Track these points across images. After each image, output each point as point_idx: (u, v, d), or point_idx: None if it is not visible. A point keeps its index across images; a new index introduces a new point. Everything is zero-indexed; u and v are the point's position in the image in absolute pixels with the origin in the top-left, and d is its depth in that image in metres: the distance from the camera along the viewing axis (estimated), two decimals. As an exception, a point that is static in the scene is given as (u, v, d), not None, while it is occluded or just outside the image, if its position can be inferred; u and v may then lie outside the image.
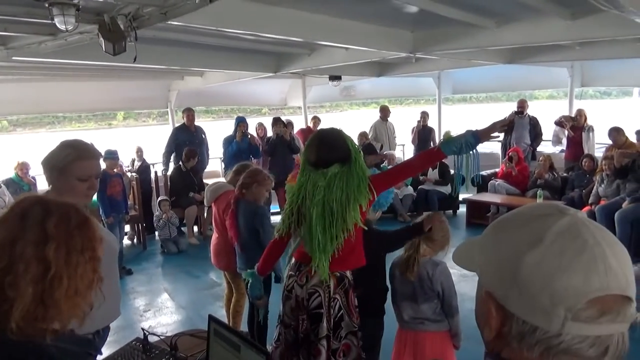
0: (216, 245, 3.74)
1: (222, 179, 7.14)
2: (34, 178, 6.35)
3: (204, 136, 7.36)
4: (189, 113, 7.26)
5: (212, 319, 1.85)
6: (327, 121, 8.95)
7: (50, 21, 2.92)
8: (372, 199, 2.25)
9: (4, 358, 0.90)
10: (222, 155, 7.53)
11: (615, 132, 5.92)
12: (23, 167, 6.13)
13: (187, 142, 7.01)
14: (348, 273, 2.35)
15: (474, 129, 2.31)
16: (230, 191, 3.53)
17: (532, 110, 7.85)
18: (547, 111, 8.67)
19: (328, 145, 2.29)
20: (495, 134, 2.31)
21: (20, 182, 6.02)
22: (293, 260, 2.45)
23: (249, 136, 7.21)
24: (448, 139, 2.29)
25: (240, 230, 3.24)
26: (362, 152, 2.38)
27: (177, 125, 7.78)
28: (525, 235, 0.65)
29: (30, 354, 0.89)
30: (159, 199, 6.68)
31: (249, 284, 2.61)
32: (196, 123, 7.47)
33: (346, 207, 2.18)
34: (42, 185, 6.74)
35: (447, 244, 2.51)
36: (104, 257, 1.02)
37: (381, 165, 6.92)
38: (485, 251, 0.70)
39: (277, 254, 2.55)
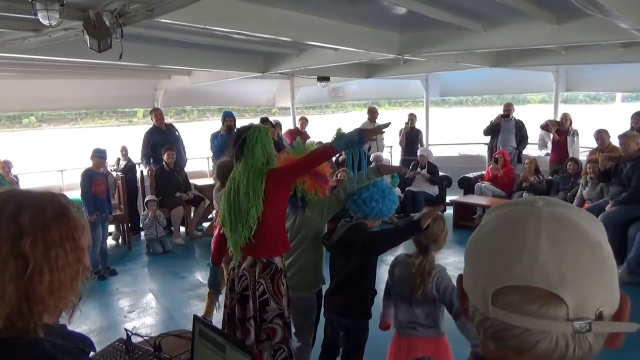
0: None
1: (210, 180, 7.12)
2: (16, 176, 6.24)
3: (177, 133, 7.29)
4: (157, 113, 7.19)
5: (197, 319, 1.82)
6: (317, 122, 8.95)
7: (33, 16, 2.87)
8: (285, 189, 2.48)
9: None
10: (209, 152, 7.45)
11: (604, 133, 6.02)
12: (5, 166, 6.01)
13: (161, 142, 6.94)
14: (277, 259, 2.50)
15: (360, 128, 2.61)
16: None
17: (524, 113, 7.92)
18: (539, 115, 8.75)
19: (236, 141, 2.56)
20: (380, 135, 2.51)
21: (2, 180, 5.90)
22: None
23: (236, 130, 7.14)
24: (338, 136, 2.52)
25: None
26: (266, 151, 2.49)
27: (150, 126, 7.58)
28: (489, 218, 0.67)
29: (23, 349, 0.87)
30: (147, 198, 6.60)
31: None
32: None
33: (248, 201, 2.37)
34: (25, 183, 6.64)
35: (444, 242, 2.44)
36: None
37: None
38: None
39: (223, 246, 2.68)
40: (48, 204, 0.95)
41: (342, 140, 2.45)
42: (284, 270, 2.53)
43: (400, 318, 2.47)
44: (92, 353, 1.02)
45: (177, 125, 7.79)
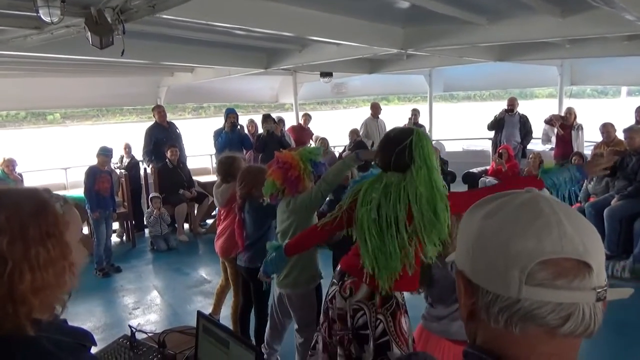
0: (225, 228, 3.65)
1: (213, 177, 7.12)
2: (20, 175, 6.26)
3: (178, 131, 7.28)
4: (159, 110, 7.19)
5: (200, 315, 1.82)
6: (328, 118, 8.89)
7: (35, 14, 2.86)
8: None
9: None
10: (213, 148, 7.45)
11: (610, 126, 5.99)
12: (9, 164, 6.03)
13: (164, 139, 6.94)
14: (398, 294, 2.13)
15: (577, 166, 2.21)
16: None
17: (531, 108, 7.85)
18: (545, 109, 8.66)
19: (387, 145, 2.06)
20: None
21: (6, 178, 5.92)
22: (338, 267, 2.31)
23: (239, 127, 7.16)
24: (549, 170, 2.14)
25: (247, 227, 3.19)
26: (434, 166, 2.02)
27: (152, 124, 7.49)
28: (489, 209, 0.68)
29: (19, 347, 0.85)
30: (151, 195, 6.61)
31: (268, 258, 2.41)
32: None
33: (421, 231, 1.91)
34: (29, 182, 6.66)
35: None
36: None
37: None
38: (459, 234, 0.73)
39: (311, 242, 2.41)
40: (27, 200, 0.92)
41: (554, 176, 2.08)
42: (404, 305, 2.14)
43: (432, 313, 2.31)
44: (93, 347, 1.00)
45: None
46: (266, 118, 7.21)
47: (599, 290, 0.61)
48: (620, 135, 5.72)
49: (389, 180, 2.02)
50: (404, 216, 1.94)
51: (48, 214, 0.92)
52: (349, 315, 2.12)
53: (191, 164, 7.54)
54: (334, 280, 2.26)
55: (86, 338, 0.98)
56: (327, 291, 2.29)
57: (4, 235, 0.86)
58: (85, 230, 6.46)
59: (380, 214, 1.99)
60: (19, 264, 0.86)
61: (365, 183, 2.12)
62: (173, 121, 7.61)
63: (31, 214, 0.90)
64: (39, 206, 0.92)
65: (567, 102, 8.33)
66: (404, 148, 1.99)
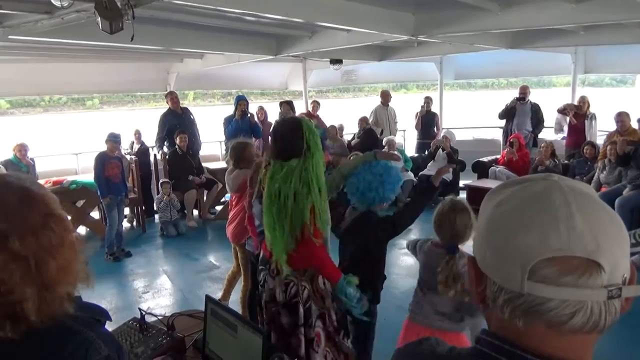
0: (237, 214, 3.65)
1: (223, 163, 7.14)
2: (32, 159, 6.33)
3: (192, 117, 7.26)
4: (172, 96, 7.15)
5: (209, 299, 1.84)
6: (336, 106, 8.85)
7: (45, -2, 2.87)
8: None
9: (47, 344, 0.87)
10: (223, 135, 7.44)
11: (625, 115, 5.91)
12: (22, 149, 6.09)
13: (177, 125, 6.92)
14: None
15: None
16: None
17: (548, 96, 7.71)
18: (561, 98, 8.49)
19: (282, 137, 2.30)
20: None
21: (18, 163, 5.99)
22: (262, 254, 2.47)
23: (249, 115, 7.14)
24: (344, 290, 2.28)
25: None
26: (318, 148, 2.29)
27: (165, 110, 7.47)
28: (502, 196, 0.66)
29: (60, 332, 0.88)
30: (161, 181, 6.65)
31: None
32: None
33: (296, 203, 2.16)
34: (41, 166, 6.74)
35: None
36: None
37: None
38: (478, 219, 0.72)
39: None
40: (7, 192, 0.89)
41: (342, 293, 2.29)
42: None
43: (426, 307, 2.33)
44: (107, 323, 1.01)
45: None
46: (283, 104, 7.20)
47: (612, 288, 0.58)
48: (635, 124, 5.64)
49: (290, 167, 2.22)
50: (305, 191, 2.17)
51: (34, 196, 0.90)
52: (280, 290, 2.31)
53: (201, 150, 7.55)
54: (261, 267, 2.45)
55: (101, 313, 0.99)
56: (259, 278, 2.49)
57: (12, 236, 0.84)
58: (97, 215, 6.56)
59: (280, 196, 2.21)
60: (40, 255, 0.85)
61: (269, 174, 2.31)
62: (191, 107, 7.61)
63: (21, 203, 0.88)
64: (22, 192, 0.90)
65: (585, 91, 8.18)
66: (302, 136, 2.24)
